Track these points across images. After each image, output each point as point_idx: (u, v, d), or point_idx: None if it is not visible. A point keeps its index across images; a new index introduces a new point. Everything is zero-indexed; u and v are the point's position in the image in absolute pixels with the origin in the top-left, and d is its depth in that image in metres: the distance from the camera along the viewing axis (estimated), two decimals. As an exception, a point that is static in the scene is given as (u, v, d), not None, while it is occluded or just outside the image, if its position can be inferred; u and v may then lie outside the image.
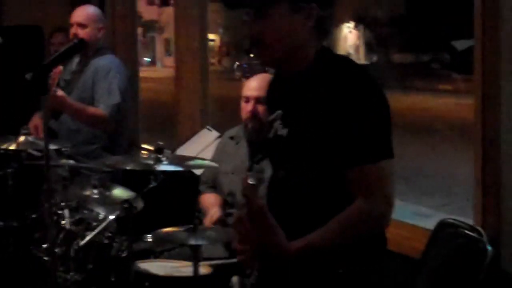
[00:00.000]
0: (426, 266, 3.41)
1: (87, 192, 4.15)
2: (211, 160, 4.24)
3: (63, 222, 3.84)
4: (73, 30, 5.17)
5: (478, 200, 3.43)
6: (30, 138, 4.41)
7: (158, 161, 3.57)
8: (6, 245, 4.36)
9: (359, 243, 2.46)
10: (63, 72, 5.09)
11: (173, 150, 5.25)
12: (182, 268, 3.78)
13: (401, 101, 15.21)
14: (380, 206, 2.42)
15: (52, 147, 4.35)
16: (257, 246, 2.39)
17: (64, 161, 4.24)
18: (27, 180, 4.55)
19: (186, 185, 4.61)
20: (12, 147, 4.37)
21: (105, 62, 5.19)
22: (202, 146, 5.08)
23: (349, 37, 26.64)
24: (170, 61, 37.02)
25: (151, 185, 3.71)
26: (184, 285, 3.66)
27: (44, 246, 3.87)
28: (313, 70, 2.54)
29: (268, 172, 2.60)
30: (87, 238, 3.70)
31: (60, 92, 4.80)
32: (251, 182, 2.26)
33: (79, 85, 5.17)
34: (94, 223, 3.85)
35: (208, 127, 5.49)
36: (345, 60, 2.62)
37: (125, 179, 4.36)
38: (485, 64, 3.34)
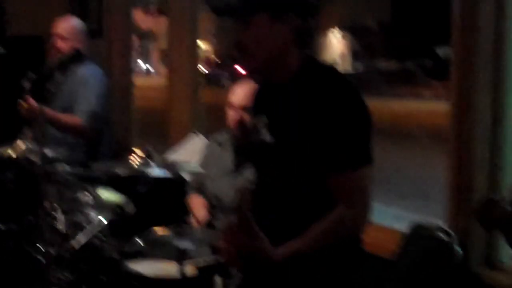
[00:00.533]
0: (397, 268, 3.41)
1: (81, 196, 4.15)
2: (199, 164, 4.25)
3: (57, 225, 3.83)
4: (53, 41, 5.17)
5: (450, 203, 3.44)
6: (28, 144, 4.38)
7: (147, 166, 3.57)
8: (6, 246, 4.33)
9: (337, 247, 2.47)
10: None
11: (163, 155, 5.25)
12: (170, 268, 3.77)
13: (386, 107, 15.24)
14: (360, 212, 2.43)
15: (50, 153, 4.37)
16: (243, 251, 2.39)
17: (60, 166, 4.21)
18: (26, 184, 4.53)
19: (175, 187, 4.61)
20: (11, 153, 4.35)
21: (84, 70, 5.16)
22: (189, 151, 5.08)
23: (335, 45, 26.67)
24: (165, 70, 36.97)
25: (140, 190, 3.71)
26: (171, 285, 3.65)
27: (40, 247, 3.86)
28: (298, 79, 2.54)
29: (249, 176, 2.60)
30: (82, 241, 3.69)
31: (34, 104, 4.73)
32: (244, 188, 2.27)
33: (60, 94, 5.14)
34: (87, 226, 3.83)
35: (195, 131, 5.49)
36: (329, 69, 2.61)
37: (115, 183, 4.33)
38: (460, 72, 3.36)
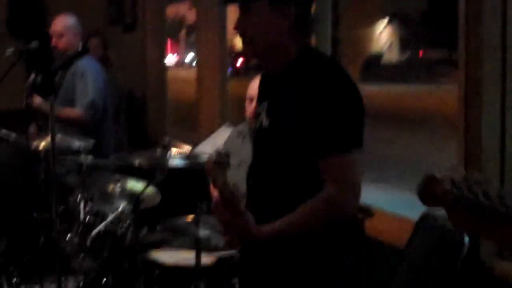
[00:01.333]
0: (407, 257, 3.44)
1: (110, 187, 4.26)
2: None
3: (79, 214, 3.95)
4: (53, 40, 5.31)
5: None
6: (59, 136, 4.51)
7: (166, 156, 3.67)
8: (38, 234, 4.46)
9: (332, 230, 2.50)
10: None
11: (195, 145, 5.35)
12: (190, 257, 3.85)
13: (433, 95, 15.11)
14: (347, 193, 2.45)
15: (77, 144, 4.49)
16: (228, 228, 2.51)
17: (83, 156, 4.32)
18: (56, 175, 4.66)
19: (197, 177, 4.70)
20: (42, 144, 4.48)
21: (81, 64, 5.24)
22: (218, 142, 5.16)
23: (382, 34, 26.46)
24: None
25: (158, 179, 3.80)
26: (190, 273, 3.74)
27: (65, 236, 3.99)
28: (294, 67, 2.58)
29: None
30: (97, 228, 3.80)
31: (37, 100, 4.97)
32: (213, 161, 2.33)
33: (62, 89, 5.23)
34: (109, 215, 3.94)
35: (227, 123, 5.56)
36: (324, 58, 2.68)
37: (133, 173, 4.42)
38: (468, 62, 3.35)
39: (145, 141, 6.87)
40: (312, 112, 2.47)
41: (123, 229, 3.94)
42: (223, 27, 5.84)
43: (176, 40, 11.11)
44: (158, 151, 3.87)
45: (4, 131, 5.08)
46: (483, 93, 3.27)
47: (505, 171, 3.31)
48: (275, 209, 2.53)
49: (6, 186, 4.94)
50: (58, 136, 4.45)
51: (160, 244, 4.07)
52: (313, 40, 4.51)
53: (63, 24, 5.35)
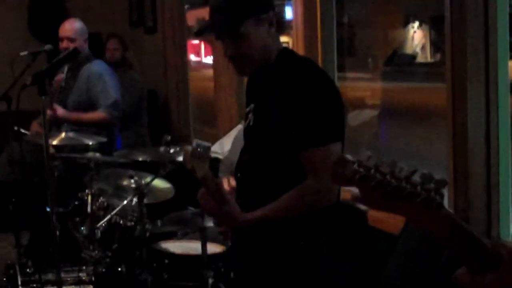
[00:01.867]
0: (399, 243, 3.58)
1: (125, 182, 4.43)
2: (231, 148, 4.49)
3: (88, 207, 4.14)
4: (63, 44, 5.43)
5: (450, 186, 3.55)
6: (71, 134, 4.71)
7: (167, 153, 3.85)
8: (54, 227, 4.63)
9: (316, 218, 2.69)
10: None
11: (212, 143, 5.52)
12: (198, 247, 4.00)
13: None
14: (325, 183, 2.59)
15: (89, 141, 4.68)
16: (214, 215, 2.73)
17: (91, 154, 4.50)
18: (70, 172, 4.86)
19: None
20: (55, 142, 4.67)
21: (96, 67, 5.49)
22: (232, 139, 5.30)
23: (415, 36, 26.37)
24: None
25: (161, 174, 3.98)
26: (197, 262, 3.90)
27: (78, 228, 4.18)
28: (274, 69, 2.76)
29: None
30: (103, 221, 3.99)
31: (60, 110, 5.18)
32: (190, 154, 2.48)
33: (74, 90, 5.46)
34: (117, 208, 4.11)
35: (242, 121, 5.71)
36: (301, 59, 2.87)
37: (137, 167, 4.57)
38: (454, 63, 3.48)
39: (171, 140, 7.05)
40: (291, 109, 2.64)
41: (133, 221, 4.12)
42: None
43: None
44: (161, 148, 4.04)
45: (22, 130, 5.30)
46: (468, 90, 3.41)
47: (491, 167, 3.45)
48: (262, 200, 2.70)
49: (27, 183, 5.11)
50: (70, 135, 4.68)
51: (169, 235, 4.24)
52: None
53: (74, 29, 5.50)
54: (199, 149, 2.47)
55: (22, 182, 4.99)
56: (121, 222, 4.13)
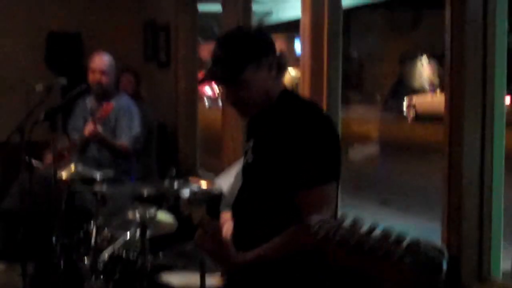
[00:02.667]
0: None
1: (130, 214, 4.51)
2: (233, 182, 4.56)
3: (91, 239, 4.23)
4: (96, 76, 5.67)
5: (443, 222, 3.63)
6: (79, 168, 4.81)
7: (172, 186, 3.93)
8: (59, 258, 4.73)
9: (304, 256, 2.74)
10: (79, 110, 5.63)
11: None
12: (197, 279, 4.06)
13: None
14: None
15: (96, 175, 4.78)
16: (211, 256, 2.84)
17: (98, 187, 4.59)
18: (76, 204, 4.96)
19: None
20: (64, 175, 4.76)
21: (123, 102, 5.78)
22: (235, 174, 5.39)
23: (423, 71, 26.42)
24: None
25: (164, 207, 4.06)
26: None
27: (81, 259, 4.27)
28: (275, 109, 2.84)
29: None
30: (105, 252, 4.07)
31: (100, 129, 5.39)
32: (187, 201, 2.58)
33: (105, 123, 5.62)
34: (119, 240, 4.19)
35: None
36: (300, 101, 2.93)
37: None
38: (453, 100, 3.56)
39: (177, 173, 7.14)
40: (287, 150, 2.71)
41: (135, 254, 4.19)
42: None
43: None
44: (166, 181, 4.11)
45: (34, 160, 5.41)
46: (465, 128, 3.48)
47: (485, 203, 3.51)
48: (258, 238, 2.78)
49: (36, 214, 5.21)
50: (79, 166, 4.78)
51: (170, 268, 4.30)
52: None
53: (107, 62, 5.75)
54: (195, 195, 2.56)
55: (32, 213, 5.08)
56: (124, 254, 4.20)
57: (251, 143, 2.95)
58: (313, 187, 2.69)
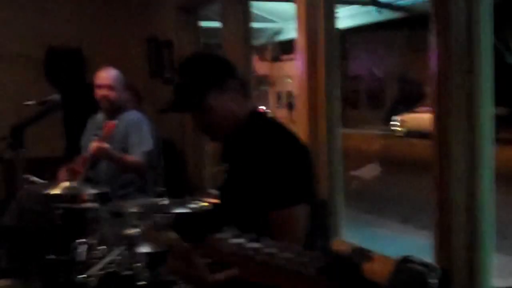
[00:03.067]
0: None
1: (129, 231, 4.52)
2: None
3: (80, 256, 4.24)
4: (103, 91, 5.63)
5: (436, 239, 3.64)
6: (72, 184, 4.82)
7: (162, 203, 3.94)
8: (57, 275, 4.73)
9: None
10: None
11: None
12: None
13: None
14: None
15: (93, 191, 4.80)
16: (182, 276, 2.77)
17: (89, 204, 4.61)
18: (72, 220, 4.96)
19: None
20: (57, 191, 4.77)
21: (134, 116, 5.66)
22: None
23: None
24: (281, 112, 37.92)
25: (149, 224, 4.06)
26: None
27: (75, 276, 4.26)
28: (244, 131, 2.88)
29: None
30: (93, 269, 4.08)
31: (106, 145, 5.28)
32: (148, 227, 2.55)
33: (115, 139, 5.55)
34: (108, 258, 4.19)
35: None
36: (269, 122, 2.96)
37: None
38: (440, 120, 3.57)
39: (186, 190, 7.16)
40: (258, 172, 2.75)
41: (130, 270, 4.19)
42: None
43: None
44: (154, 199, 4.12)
45: (34, 178, 5.44)
46: (452, 147, 3.50)
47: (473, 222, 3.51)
48: None
49: (31, 231, 5.22)
50: (74, 184, 4.80)
51: (168, 284, 4.31)
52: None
53: (113, 77, 5.67)
54: (160, 220, 2.55)
55: (29, 229, 5.10)
56: (118, 270, 4.20)
57: (226, 166, 2.97)
58: (284, 208, 2.72)
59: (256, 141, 2.80)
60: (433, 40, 3.54)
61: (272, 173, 2.72)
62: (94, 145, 5.35)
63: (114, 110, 5.65)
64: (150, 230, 2.58)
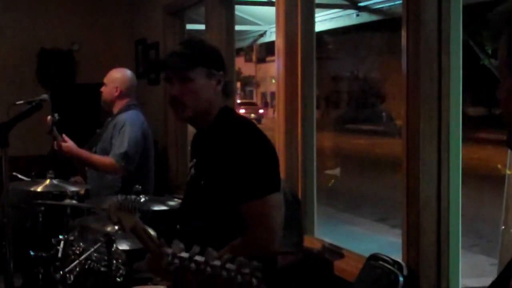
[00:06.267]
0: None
1: (109, 228, 4.45)
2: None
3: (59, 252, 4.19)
4: (109, 90, 5.52)
5: (403, 237, 3.59)
6: (54, 181, 4.75)
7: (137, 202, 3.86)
8: (37, 272, 4.67)
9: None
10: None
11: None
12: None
13: (472, 152, 15.07)
14: (263, 235, 2.67)
15: (74, 189, 4.74)
16: (154, 269, 2.63)
17: (67, 201, 4.55)
18: (53, 217, 4.90)
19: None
20: (40, 189, 4.69)
21: (123, 117, 5.42)
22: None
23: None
24: (268, 111, 38.14)
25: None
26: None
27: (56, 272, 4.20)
28: (214, 126, 2.83)
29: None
30: (72, 265, 4.02)
31: (66, 144, 5.11)
32: (117, 206, 2.47)
33: (102, 138, 5.47)
34: (86, 254, 4.13)
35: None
36: (238, 118, 2.93)
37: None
38: (409, 125, 3.54)
39: (167, 188, 7.11)
40: (228, 166, 2.71)
41: (106, 267, 4.13)
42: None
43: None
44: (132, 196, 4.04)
45: (19, 176, 5.38)
46: (421, 148, 3.45)
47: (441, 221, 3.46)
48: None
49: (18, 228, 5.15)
50: (54, 181, 4.73)
51: (144, 281, 4.25)
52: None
53: (111, 75, 5.55)
54: (126, 202, 2.48)
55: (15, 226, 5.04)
56: (95, 266, 4.14)
57: (194, 161, 2.93)
58: (258, 198, 2.68)
59: (227, 135, 2.77)
60: (403, 41, 3.50)
61: (245, 165, 2.69)
62: (57, 144, 5.15)
63: (107, 107, 5.53)
64: (114, 209, 2.48)
